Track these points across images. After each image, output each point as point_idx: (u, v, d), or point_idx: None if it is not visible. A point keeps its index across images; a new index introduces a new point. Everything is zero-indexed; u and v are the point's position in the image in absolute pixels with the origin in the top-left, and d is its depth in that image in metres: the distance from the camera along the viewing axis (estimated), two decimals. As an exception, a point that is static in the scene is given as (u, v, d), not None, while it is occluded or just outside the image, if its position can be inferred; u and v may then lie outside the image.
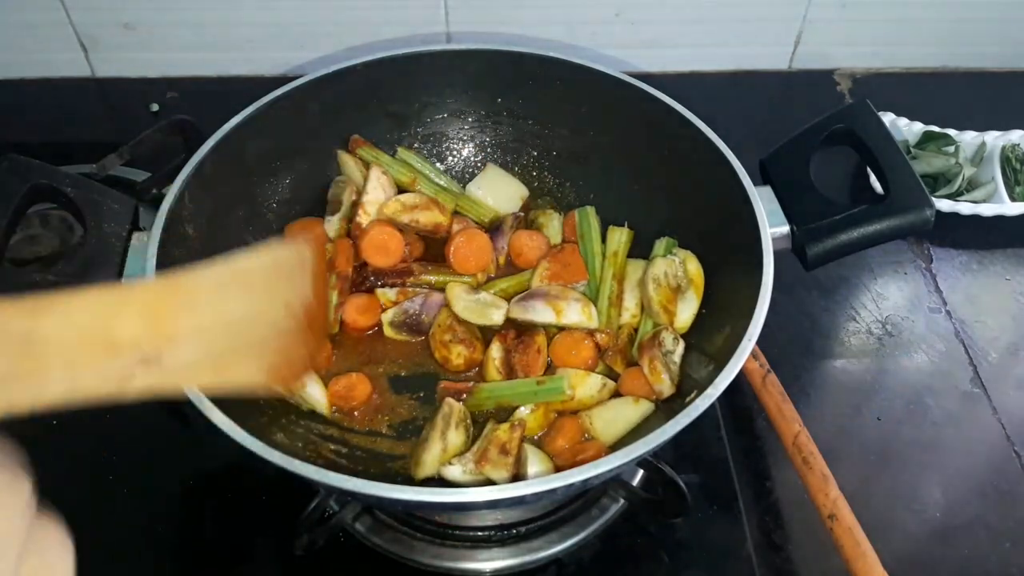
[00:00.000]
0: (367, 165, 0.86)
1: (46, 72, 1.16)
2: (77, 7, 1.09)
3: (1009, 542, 0.75)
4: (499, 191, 0.89)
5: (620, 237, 0.82)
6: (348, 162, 0.86)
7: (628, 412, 0.71)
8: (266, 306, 0.45)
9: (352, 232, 0.83)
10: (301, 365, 0.49)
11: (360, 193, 0.83)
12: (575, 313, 0.77)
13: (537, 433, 0.73)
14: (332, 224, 0.84)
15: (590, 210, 0.85)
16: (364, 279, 0.81)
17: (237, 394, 0.46)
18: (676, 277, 0.76)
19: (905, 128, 1.06)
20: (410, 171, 0.87)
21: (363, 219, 0.82)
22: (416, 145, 0.91)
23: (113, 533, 0.72)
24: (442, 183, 0.89)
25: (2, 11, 1.09)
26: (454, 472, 0.67)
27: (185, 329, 0.40)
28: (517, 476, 0.67)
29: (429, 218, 0.84)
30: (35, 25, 1.10)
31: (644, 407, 0.71)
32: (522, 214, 0.89)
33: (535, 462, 0.67)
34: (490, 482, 0.66)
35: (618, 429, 0.71)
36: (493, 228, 0.87)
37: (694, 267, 0.77)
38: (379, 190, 0.83)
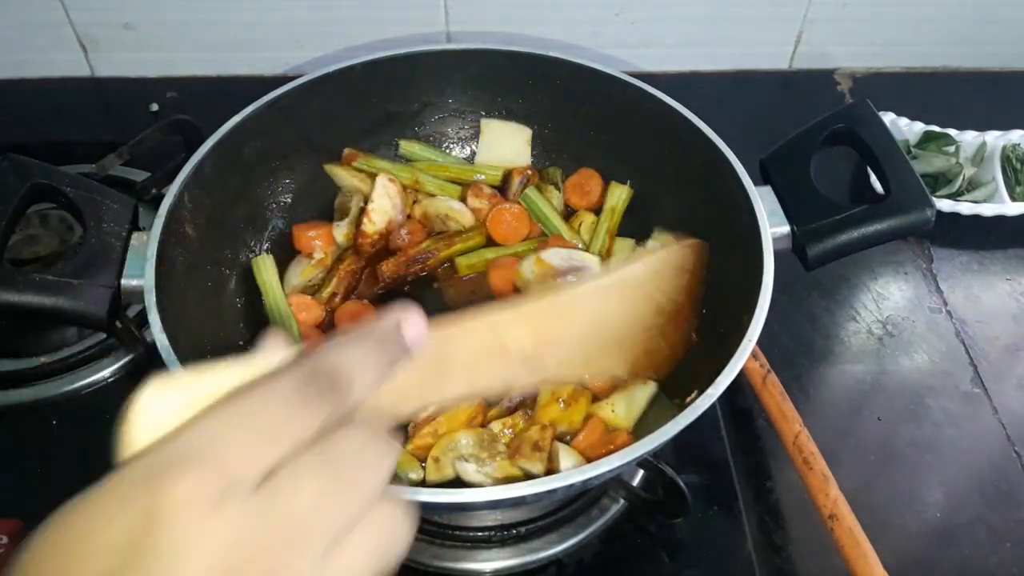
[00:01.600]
0: (369, 174, 0.85)
1: (46, 72, 1.16)
2: (77, 7, 1.09)
3: (1010, 542, 0.75)
4: (505, 145, 0.90)
5: (620, 194, 0.85)
6: (340, 174, 0.86)
7: (639, 394, 0.72)
8: (638, 307, 0.49)
9: (358, 240, 0.83)
10: (660, 357, 0.53)
11: (367, 200, 0.83)
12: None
13: (568, 435, 0.72)
14: (341, 230, 0.84)
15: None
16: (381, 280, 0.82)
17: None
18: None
19: (905, 128, 1.05)
20: (410, 172, 0.87)
21: (368, 227, 0.82)
22: (416, 143, 0.91)
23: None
24: (450, 163, 0.90)
25: (2, 11, 1.09)
26: (469, 472, 0.66)
27: (564, 335, 0.45)
28: (551, 471, 0.67)
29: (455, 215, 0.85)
30: (35, 25, 1.10)
31: (650, 387, 0.72)
32: (529, 172, 0.89)
33: (567, 457, 0.67)
34: (508, 480, 0.66)
35: (636, 411, 0.72)
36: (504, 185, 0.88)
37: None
38: (385, 198, 0.83)
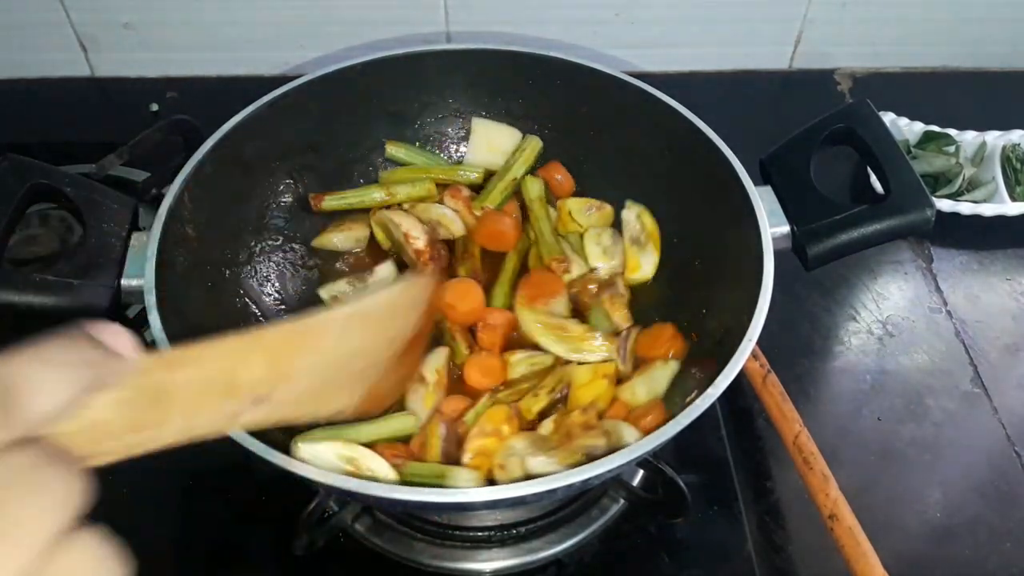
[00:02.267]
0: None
1: (46, 72, 1.16)
2: (77, 7, 1.09)
3: (1010, 542, 0.75)
4: (495, 146, 0.89)
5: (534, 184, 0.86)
6: (332, 237, 0.84)
7: (659, 375, 0.72)
8: (375, 342, 0.47)
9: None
10: (388, 392, 0.50)
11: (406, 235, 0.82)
12: None
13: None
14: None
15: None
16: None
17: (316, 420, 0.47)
18: (634, 229, 0.81)
19: (905, 128, 1.05)
20: (381, 189, 0.85)
21: (417, 243, 0.81)
22: (416, 144, 0.91)
23: (112, 533, 0.71)
24: (432, 165, 0.89)
25: (2, 11, 1.09)
26: (541, 465, 0.65)
27: (301, 368, 0.41)
28: (614, 447, 0.64)
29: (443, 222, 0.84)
30: (35, 25, 1.10)
31: (671, 367, 0.72)
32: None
33: (626, 430, 0.66)
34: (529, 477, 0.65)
35: (658, 391, 0.71)
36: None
37: (649, 221, 0.81)
38: (414, 225, 0.82)
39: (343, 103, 0.84)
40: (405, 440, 0.69)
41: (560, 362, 0.75)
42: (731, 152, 0.72)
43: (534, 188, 0.85)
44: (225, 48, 1.14)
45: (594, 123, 0.86)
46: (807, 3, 1.12)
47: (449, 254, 0.83)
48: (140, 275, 0.64)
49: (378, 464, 0.64)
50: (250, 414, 0.38)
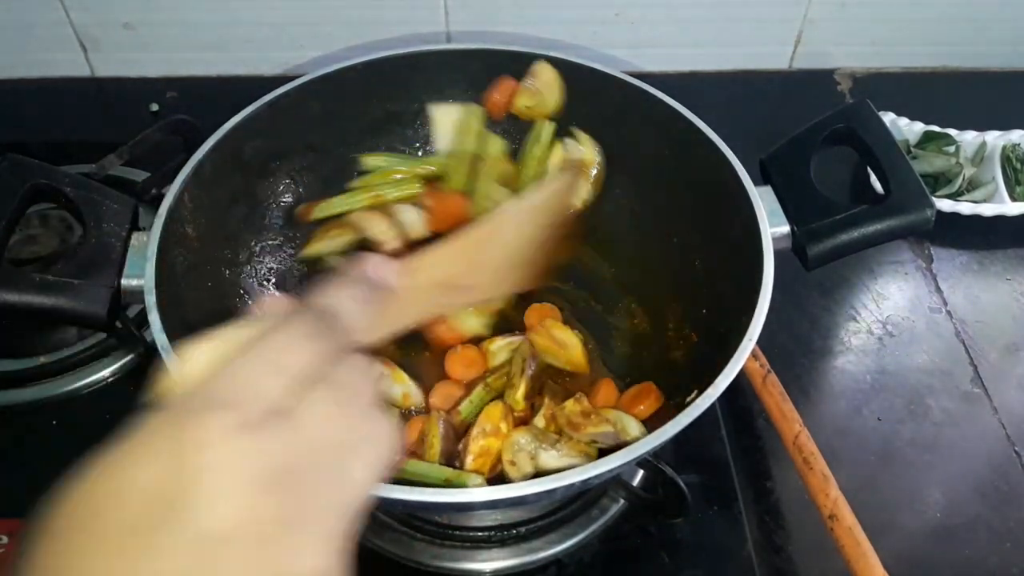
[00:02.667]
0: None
1: (46, 72, 1.16)
2: (77, 7, 1.09)
3: (1010, 542, 0.75)
4: (458, 127, 0.89)
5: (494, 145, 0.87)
6: (319, 246, 0.82)
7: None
8: (535, 229, 0.60)
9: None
10: (541, 269, 0.62)
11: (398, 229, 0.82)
12: None
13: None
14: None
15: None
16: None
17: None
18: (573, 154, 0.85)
19: (905, 128, 1.05)
20: (365, 193, 0.84)
21: (393, 244, 0.81)
22: (416, 144, 0.91)
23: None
24: (405, 167, 0.88)
25: (2, 11, 1.09)
26: (552, 459, 0.65)
27: (488, 259, 0.55)
28: (619, 435, 0.66)
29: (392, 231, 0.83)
30: (35, 25, 1.10)
31: None
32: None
33: (627, 421, 0.68)
34: (539, 473, 0.65)
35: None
36: None
37: (590, 152, 0.84)
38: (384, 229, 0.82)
39: (343, 103, 0.84)
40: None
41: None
42: (731, 152, 0.72)
43: (493, 145, 0.86)
44: (225, 48, 1.14)
45: (593, 122, 0.86)
46: (807, 3, 1.12)
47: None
48: (140, 275, 0.64)
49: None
50: (460, 298, 0.54)
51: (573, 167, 0.68)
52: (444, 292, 0.51)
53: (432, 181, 0.87)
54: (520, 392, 0.72)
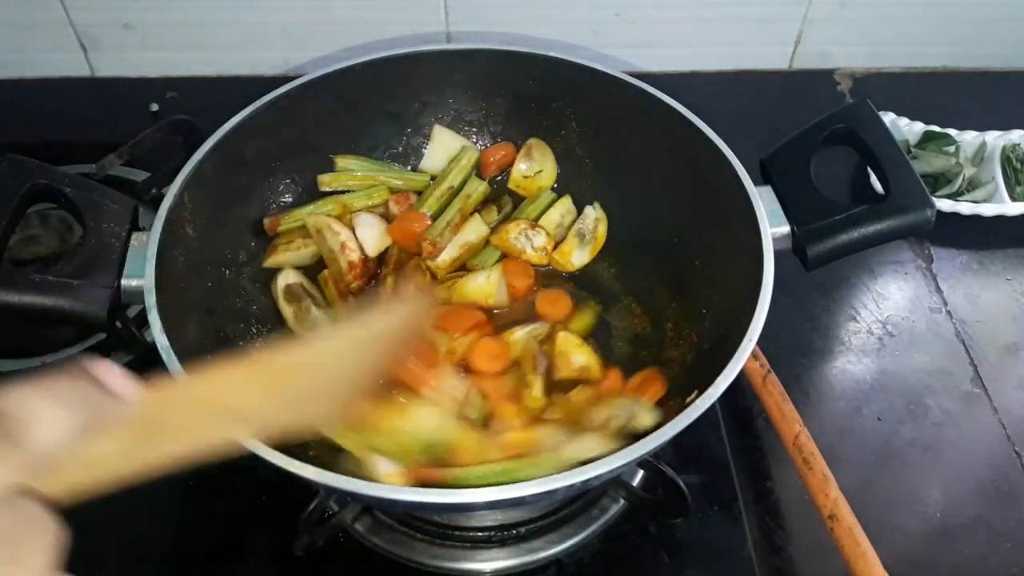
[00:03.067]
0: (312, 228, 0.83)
1: (46, 72, 1.16)
2: (77, 7, 1.09)
3: (1009, 542, 0.75)
4: (451, 154, 0.90)
5: (477, 186, 0.88)
6: (281, 257, 0.82)
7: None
8: (360, 365, 0.48)
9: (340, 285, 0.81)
10: (355, 410, 0.53)
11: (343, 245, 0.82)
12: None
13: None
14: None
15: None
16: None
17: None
18: (587, 226, 0.85)
19: (905, 128, 1.05)
20: (334, 202, 0.84)
21: (353, 255, 0.81)
22: (417, 143, 0.91)
23: (113, 533, 0.72)
24: (381, 175, 0.88)
25: (2, 11, 1.09)
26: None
27: (291, 389, 0.43)
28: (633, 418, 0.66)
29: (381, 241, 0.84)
30: (35, 25, 1.10)
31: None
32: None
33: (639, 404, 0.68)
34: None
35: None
36: None
37: (602, 230, 0.86)
38: (351, 236, 0.82)
39: (343, 103, 0.84)
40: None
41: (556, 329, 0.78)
42: (731, 152, 0.72)
43: (475, 186, 0.87)
44: (225, 48, 1.14)
45: (594, 122, 0.86)
46: (807, 3, 1.12)
47: (378, 267, 0.84)
48: (140, 275, 0.64)
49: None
50: (235, 430, 0.40)
51: (424, 295, 0.57)
52: (220, 422, 0.39)
53: (403, 192, 0.88)
54: (536, 390, 0.73)
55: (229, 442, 0.39)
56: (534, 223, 0.85)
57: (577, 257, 0.85)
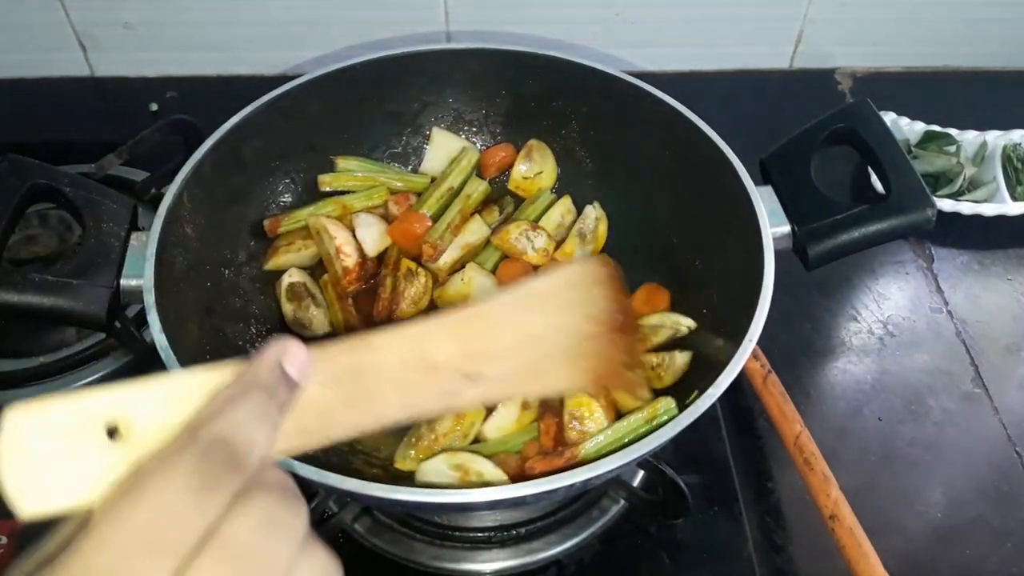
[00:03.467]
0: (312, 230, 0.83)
1: (45, 72, 1.16)
2: (77, 7, 1.09)
3: (1010, 543, 0.75)
4: (451, 156, 0.90)
5: (477, 187, 0.87)
6: (282, 259, 0.81)
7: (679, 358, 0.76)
8: (566, 318, 0.49)
9: (339, 285, 0.81)
10: (620, 367, 0.52)
11: (338, 250, 0.81)
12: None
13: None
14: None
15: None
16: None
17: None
18: (587, 226, 0.85)
19: (906, 127, 1.05)
20: (334, 203, 0.84)
21: (348, 260, 0.81)
22: (416, 143, 0.91)
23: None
24: (381, 176, 0.88)
25: (2, 11, 1.09)
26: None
27: (494, 347, 0.45)
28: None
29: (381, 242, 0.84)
30: (34, 25, 1.10)
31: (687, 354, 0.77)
32: None
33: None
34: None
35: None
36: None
37: (603, 229, 0.86)
38: (348, 240, 0.82)
39: (343, 103, 0.84)
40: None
41: None
42: (731, 152, 0.72)
43: (475, 187, 0.87)
44: (225, 48, 1.14)
45: (594, 122, 0.86)
46: (807, 3, 1.12)
47: (378, 268, 0.83)
48: (140, 275, 0.64)
49: (485, 467, 0.66)
50: (470, 391, 0.43)
51: (598, 261, 0.54)
52: (433, 378, 0.42)
53: (403, 193, 0.88)
54: None
55: (462, 397, 0.43)
56: (535, 224, 0.85)
57: (579, 257, 0.85)
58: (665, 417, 0.65)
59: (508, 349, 0.46)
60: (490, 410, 0.71)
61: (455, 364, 0.43)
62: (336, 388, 0.37)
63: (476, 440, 0.70)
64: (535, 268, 0.84)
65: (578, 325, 0.50)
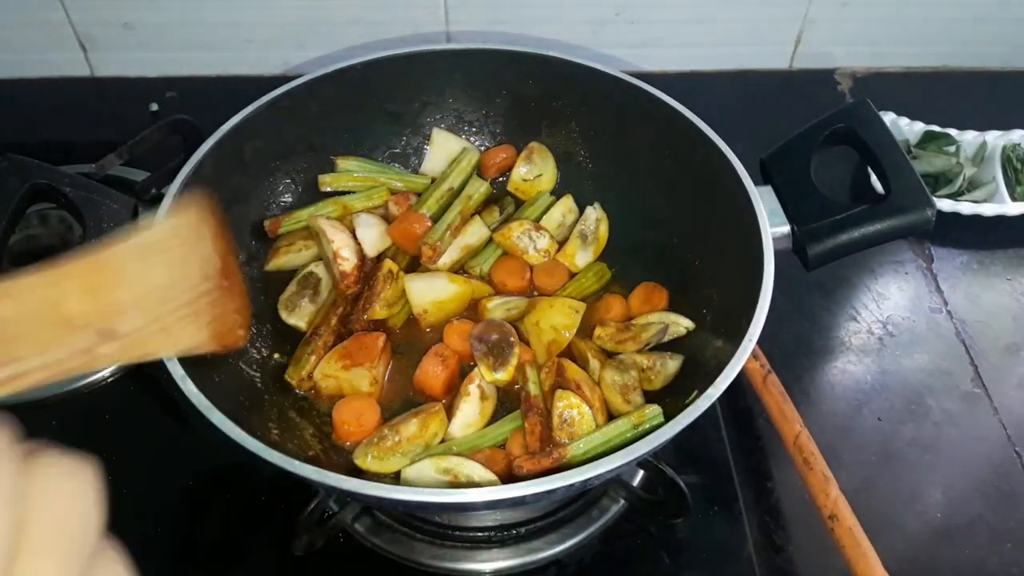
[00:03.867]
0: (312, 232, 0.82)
1: (46, 72, 1.16)
2: (77, 7, 1.09)
3: (1010, 543, 0.75)
4: (451, 157, 0.90)
5: (479, 187, 0.87)
6: (283, 260, 0.82)
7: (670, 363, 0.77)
8: (184, 270, 0.51)
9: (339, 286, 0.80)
10: (233, 323, 0.55)
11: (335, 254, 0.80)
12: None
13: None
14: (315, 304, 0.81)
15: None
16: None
17: (192, 356, 0.53)
18: (588, 227, 0.86)
19: (906, 128, 1.05)
20: (334, 204, 0.84)
21: (345, 264, 0.80)
22: (416, 143, 0.91)
23: (112, 534, 0.71)
24: (382, 176, 0.88)
25: (2, 11, 1.09)
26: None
27: (124, 300, 0.45)
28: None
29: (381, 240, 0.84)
30: (35, 25, 1.10)
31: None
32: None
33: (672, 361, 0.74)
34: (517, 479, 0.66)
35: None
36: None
37: (604, 230, 0.86)
38: (346, 243, 0.81)
39: (343, 103, 0.84)
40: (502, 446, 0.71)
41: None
42: (731, 152, 0.72)
43: (476, 187, 0.87)
44: (225, 48, 1.14)
45: (594, 122, 0.86)
46: (807, 3, 1.12)
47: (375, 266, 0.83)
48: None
49: (474, 469, 0.67)
50: (108, 348, 0.42)
51: (196, 206, 0.55)
52: (71, 332, 0.41)
53: (403, 194, 0.88)
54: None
55: (101, 355, 0.42)
56: (538, 224, 0.85)
57: (581, 258, 0.85)
58: (651, 423, 0.65)
59: (137, 302, 0.46)
60: (450, 412, 0.72)
61: (88, 319, 0.42)
62: None
63: (443, 441, 0.71)
64: (531, 268, 0.84)
65: (196, 280, 0.52)
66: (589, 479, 0.54)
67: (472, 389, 0.73)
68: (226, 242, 0.55)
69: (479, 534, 0.72)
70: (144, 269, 0.47)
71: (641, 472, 0.75)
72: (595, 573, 0.71)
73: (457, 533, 0.72)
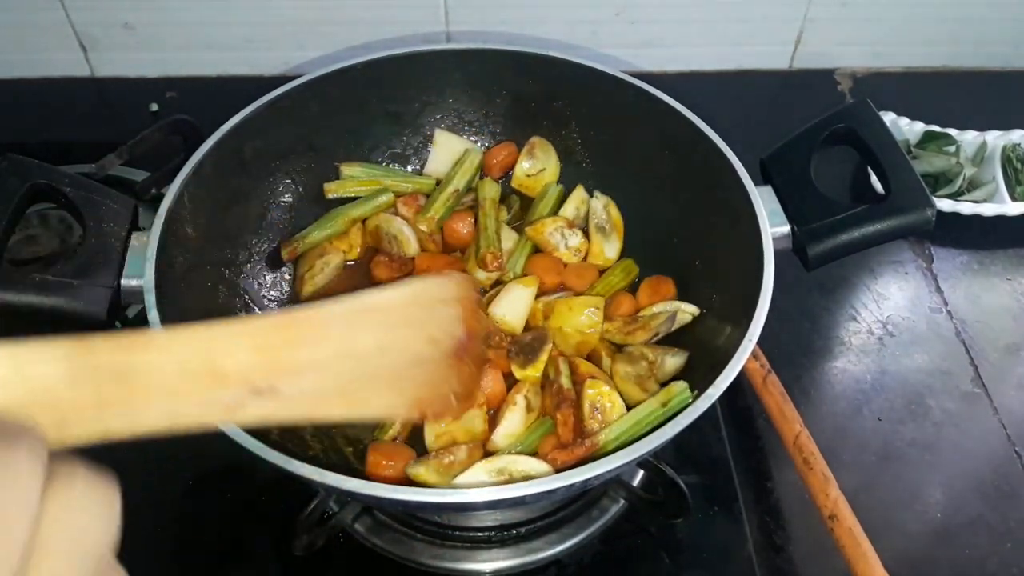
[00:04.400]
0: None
1: (46, 72, 1.16)
2: (77, 7, 1.09)
3: (1010, 543, 0.75)
4: (454, 158, 0.90)
5: (492, 190, 0.87)
6: (308, 287, 0.82)
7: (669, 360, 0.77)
8: (404, 338, 0.43)
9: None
10: (450, 398, 0.46)
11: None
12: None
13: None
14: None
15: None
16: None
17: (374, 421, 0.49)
18: (600, 218, 0.85)
19: (906, 128, 1.05)
20: (344, 218, 0.84)
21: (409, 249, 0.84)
22: (417, 144, 0.91)
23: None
24: (387, 179, 0.88)
25: (2, 11, 1.09)
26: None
27: (305, 361, 0.38)
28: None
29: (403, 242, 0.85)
30: (35, 25, 1.10)
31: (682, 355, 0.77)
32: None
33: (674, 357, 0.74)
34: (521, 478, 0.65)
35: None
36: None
37: (615, 212, 0.86)
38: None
39: (343, 103, 0.84)
40: None
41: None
42: (731, 152, 0.72)
43: (490, 189, 0.86)
44: (225, 48, 1.14)
45: (593, 122, 0.86)
46: (807, 3, 1.12)
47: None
48: (140, 275, 0.64)
49: (528, 464, 0.66)
50: (255, 407, 0.36)
51: (463, 279, 0.49)
52: (216, 386, 0.36)
53: (411, 195, 0.88)
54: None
55: (240, 413, 0.36)
56: (571, 222, 0.85)
57: (609, 249, 0.84)
58: (680, 400, 0.66)
59: (319, 365, 0.39)
60: (494, 424, 0.71)
61: (245, 375, 0.36)
62: (89, 387, 0.32)
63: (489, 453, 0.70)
64: (564, 266, 0.84)
65: (414, 347, 0.44)
66: (589, 479, 0.54)
67: (519, 399, 0.72)
68: (479, 324, 0.48)
69: (479, 534, 0.72)
70: (349, 334, 0.40)
71: (641, 472, 0.75)
72: (595, 573, 0.71)
73: (457, 533, 0.72)
